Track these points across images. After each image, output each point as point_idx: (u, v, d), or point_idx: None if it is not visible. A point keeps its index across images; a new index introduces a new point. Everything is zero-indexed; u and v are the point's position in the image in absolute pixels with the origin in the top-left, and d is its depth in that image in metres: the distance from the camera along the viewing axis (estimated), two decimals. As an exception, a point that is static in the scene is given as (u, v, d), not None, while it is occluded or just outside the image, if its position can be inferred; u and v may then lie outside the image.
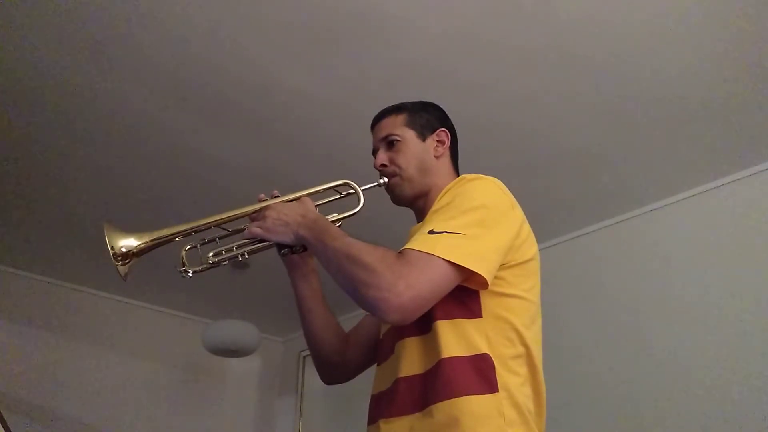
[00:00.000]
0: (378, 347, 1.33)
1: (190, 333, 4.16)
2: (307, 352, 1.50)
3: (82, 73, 2.30)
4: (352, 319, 1.47)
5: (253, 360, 4.40)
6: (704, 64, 2.21)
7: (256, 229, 1.32)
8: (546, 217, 3.06)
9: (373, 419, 1.23)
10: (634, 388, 2.75)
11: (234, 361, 4.23)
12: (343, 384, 1.52)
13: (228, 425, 4.32)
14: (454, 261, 1.09)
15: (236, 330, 3.68)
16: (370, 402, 1.27)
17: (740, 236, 2.67)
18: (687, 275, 2.77)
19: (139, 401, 3.95)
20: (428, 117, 1.43)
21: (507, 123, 2.52)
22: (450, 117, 1.48)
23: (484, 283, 1.12)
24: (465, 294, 1.15)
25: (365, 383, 1.35)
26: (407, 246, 1.12)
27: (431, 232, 1.13)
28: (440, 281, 1.09)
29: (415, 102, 1.46)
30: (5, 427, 2.43)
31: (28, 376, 3.59)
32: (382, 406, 1.20)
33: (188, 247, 1.36)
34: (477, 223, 1.14)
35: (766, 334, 2.47)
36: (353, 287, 1.11)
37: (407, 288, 1.06)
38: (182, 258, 1.33)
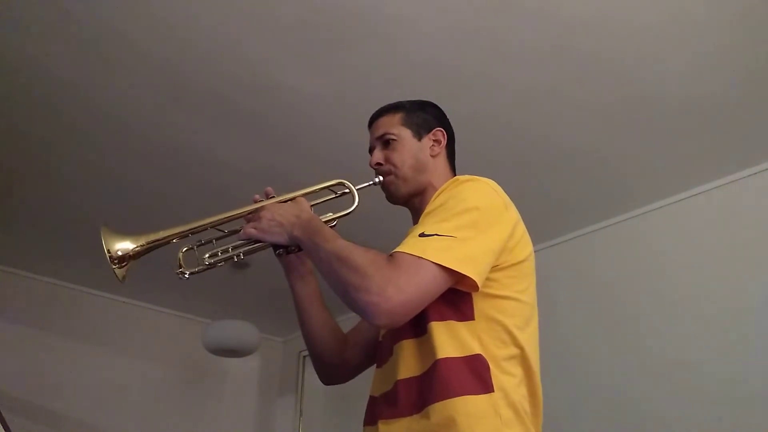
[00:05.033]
0: (377, 349, 1.34)
1: (190, 333, 4.16)
2: (307, 352, 1.49)
3: (82, 73, 2.30)
4: (350, 319, 1.46)
5: (253, 360, 4.40)
6: (704, 65, 2.21)
7: (251, 230, 1.33)
8: (546, 217, 3.05)
9: (371, 420, 1.23)
10: (634, 388, 2.74)
11: (234, 361, 4.24)
12: (343, 384, 1.52)
13: (228, 425, 4.33)
14: (444, 264, 1.09)
15: (236, 330, 3.69)
16: (369, 403, 1.27)
17: (740, 236, 2.67)
18: (687, 275, 2.77)
19: (140, 401, 3.96)
20: (425, 116, 1.43)
21: (507, 122, 2.52)
22: (450, 116, 1.48)
23: (474, 286, 1.12)
24: (457, 296, 1.15)
25: (365, 383, 1.35)
26: (398, 249, 1.12)
27: (422, 235, 1.13)
28: (430, 285, 1.09)
29: (413, 101, 1.46)
30: (5, 427, 2.43)
31: (28, 376, 3.60)
32: (382, 407, 1.21)
33: (185, 248, 1.37)
34: (469, 226, 1.14)
35: (766, 333, 2.47)
36: (344, 290, 1.11)
37: (397, 292, 1.06)
38: (179, 260, 1.34)
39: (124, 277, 1.29)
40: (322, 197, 1.43)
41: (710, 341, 2.60)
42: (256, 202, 1.38)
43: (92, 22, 2.08)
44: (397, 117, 1.41)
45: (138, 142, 2.68)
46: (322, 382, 1.51)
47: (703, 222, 2.80)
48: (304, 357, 4.43)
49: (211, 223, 1.35)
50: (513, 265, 1.20)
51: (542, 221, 2.99)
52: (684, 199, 2.88)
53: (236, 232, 1.37)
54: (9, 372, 3.51)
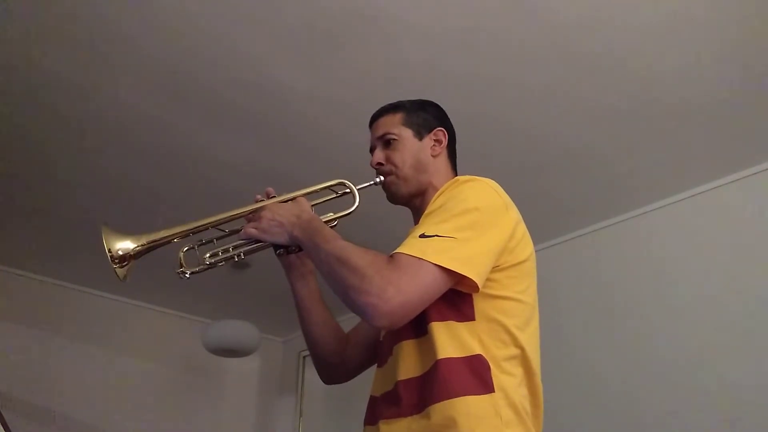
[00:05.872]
0: (378, 349, 1.34)
1: (190, 333, 4.16)
2: (307, 352, 1.50)
3: (82, 73, 2.30)
4: (351, 319, 1.46)
5: (253, 360, 4.40)
6: (704, 65, 2.21)
7: (251, 230, 1.33)
8: (546, 217, 3.05)
9: (372, 420, 1.23)
10: (635, 388, 2.74)
11: (234, 361, 4.24)
12: (344, 384, 1.52)
13: (228, 425, 4.33)
14: (444, 265, 1.08)
15: (236, 330, 3.69)
16: (369, 403, 1.27)
17: (740, 236, 2.67)
18: (687, 275, 2.77)
19: (139, 401, 3.96)
20: (426, 116, 1.43)
21: (506, 122, 2.52)
22: (450, 116, 1.48)
23: (475, 287, 1.12)
24: (458, 297, 1.15)
25: (365, 383, 1.35)
26: (398, 250, 1.12)
27: (423, 236, 1.13)
28: (430, 286, 1.09)
29: (414, 101, 1.46)
30: (5, 427, 2.43)
31: (28, 376, 3.60)
32: (382, 407, 1.21)
33: (186, 248, 1.37)
34: (469, 226, 1.14)
35: (765, 333, 2.47)
36: (343, 291, 1.11)
37: (396, 293, 1.06)
38: (180, 259, 1.34)
39: (125, 277, 1.29)
40: (322, 197, 1.44)
41: (711, 341, 2.60)
42: (257, 201, 1.38)
43: (93, 22, 2.08)
44: (398, 117, 1.41)
45: (138, 142, 2.68)
46: (323, 381, 1.51)
47: (703, 222, 2.80)
48: (304, 357, 4.43)
49: (211, 222, 1.36)
50: (514, 265, 1.20)
51: (542, 221, 2.99)
52: (684, 199, 2.88)
53: (237, 231, 1.37)
54: (9, 372, 3.50)
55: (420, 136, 1.40)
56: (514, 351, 1.16)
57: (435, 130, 1.42)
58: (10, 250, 3.55)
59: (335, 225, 1.38)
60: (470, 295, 1.16)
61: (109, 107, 2.47)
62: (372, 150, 1.43)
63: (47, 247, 3.54)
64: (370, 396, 1.28)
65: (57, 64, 2.26)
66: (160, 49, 2.20)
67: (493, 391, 1.10)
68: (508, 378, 1.13)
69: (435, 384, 1.11)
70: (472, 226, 1.14)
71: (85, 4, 2.01)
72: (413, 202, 1.40)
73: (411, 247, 1.11)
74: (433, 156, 1.40)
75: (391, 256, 1.11)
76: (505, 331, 1.16)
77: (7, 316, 3.66)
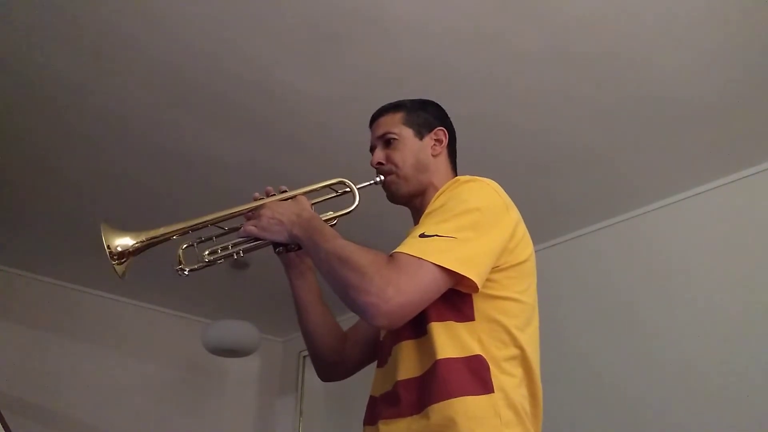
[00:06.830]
0: (378, 349, 1.34)
1: (190, 333, 4.16)
2: (307, 352, 1.49)
3: (84, 73, 2.30)
4: (351, 319, 1.46)
5: (253, 360, 4.40)
6: (704, 64, 2.21)
7: (251, 228, 1.33)
8: (546, 217, 3.05)
9: (371, 420, 1.23)
10: (636, 388, 2.74)
11: (234, 361, 4.24)
12: (344, 384, 1.52)
13: (228, 425, 4.33)
14: (444, 265, 1.08)
15: (236, 330, 3.68)
16: (369, 403, 1.27)
17: (740, 236, 2.67)
18: (687, 275, 2.77)
19: (139, 401, 3.96)
20: (426, 116, 1.42)
21: (507, 122, 2.52)
22: (451, 116, 1.48)
23: (474, 287, 1.11)
24: (457, 297, 1.15)
25: (365, 383, 1.35)
26: (398, 249, 1.12)
27: (423, 236, 1.12)
28: (430, 286, 1.09)
29: (414, 100, 1.46)
30: (5, 427, 2.43)
31: (28, 376, 3.60)
32: (382, 407, 1.20)
33: (185, 245, 1.36)
34: (469, 227, 1.14)
35: (767, 333, 2.47)
36: (343, 290, 1.11)
37: (396, 293, 1.06)
38: (179, 256, 1.34)
39: (123, 274, 1.29)
40: (322, 196, 1.43)
41: (711, 341, 2.59)
42: (256, 200, 1.38)
43: (93, 22, 2.08)
44: (399, 116, 1.41)
45: (138, 142, 2.68)
46: (321, 378, 1.51)
47: (703, 222, 2.80)
48: (304, 357, 4.43)
49: (211, 220, 1.35)
50: (513, 265, 1.19)
51: (543, 221, 3.00)
52: (684, 198, 2.89)
53: (236, 229, 1.37)
54: (9, 372, 3.51)
55: (420, 135, 1.40)
56: (514, 351, 1.16)
57: (435, 129, 1.41)
58: (11, 250, 3.55)
59: (335, 224, 1.38)
60: (470, 296, 1.16)
61: (110, 107, 2.47)
62: (372, 149, 1.43)
63: (48, 247, 3.54)
64: (370, 396, 1.27)
65: (59, 65, 2.26)
66: (161, 50, 2.20)
67: (493, 392, 1.10)
68: (507, 378, 1.13)
69: (434, 384, 1.11)
70: (473, 227, 1.14)
71: (87, 5, 2.01)
72: (413, 201, 1.39)
73: (411, 246, 1.11)
74: (433, 155, 1.39)
75: (391, 256, 1.11)
76: (505, 332, 1.16)
77: (7, 316, 3.66)
